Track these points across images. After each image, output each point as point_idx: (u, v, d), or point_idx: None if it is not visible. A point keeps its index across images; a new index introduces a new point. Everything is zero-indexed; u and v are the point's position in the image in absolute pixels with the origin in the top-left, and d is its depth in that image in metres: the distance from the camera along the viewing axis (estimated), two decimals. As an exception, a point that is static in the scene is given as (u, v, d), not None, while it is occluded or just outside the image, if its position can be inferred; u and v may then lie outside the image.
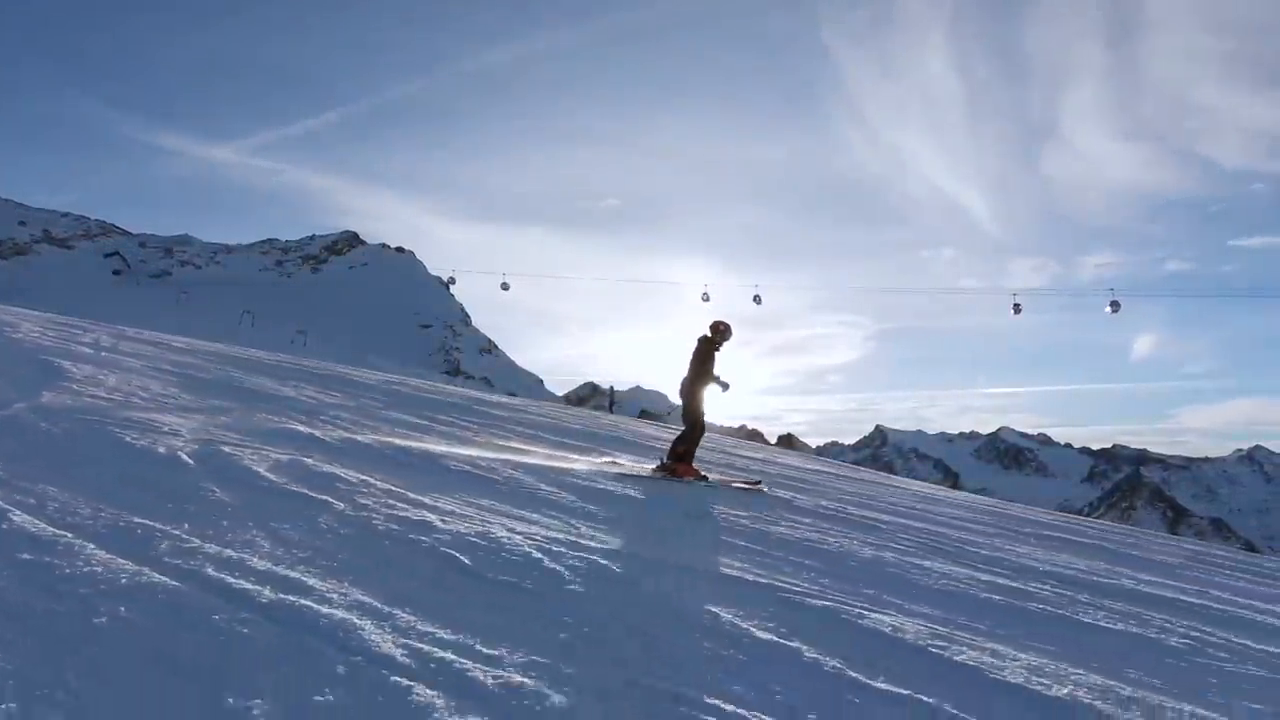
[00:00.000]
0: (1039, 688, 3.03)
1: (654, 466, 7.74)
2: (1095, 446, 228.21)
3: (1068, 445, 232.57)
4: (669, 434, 11.54)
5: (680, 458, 7.62)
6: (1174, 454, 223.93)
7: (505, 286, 30.44)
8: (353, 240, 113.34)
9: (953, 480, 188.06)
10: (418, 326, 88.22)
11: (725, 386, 7.75)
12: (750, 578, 4.18)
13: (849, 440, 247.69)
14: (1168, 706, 3.07)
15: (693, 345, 7.82)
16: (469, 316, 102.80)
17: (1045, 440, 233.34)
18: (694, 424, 7.70)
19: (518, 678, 2.46)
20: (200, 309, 63.38)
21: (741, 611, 3.49)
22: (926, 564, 5.25)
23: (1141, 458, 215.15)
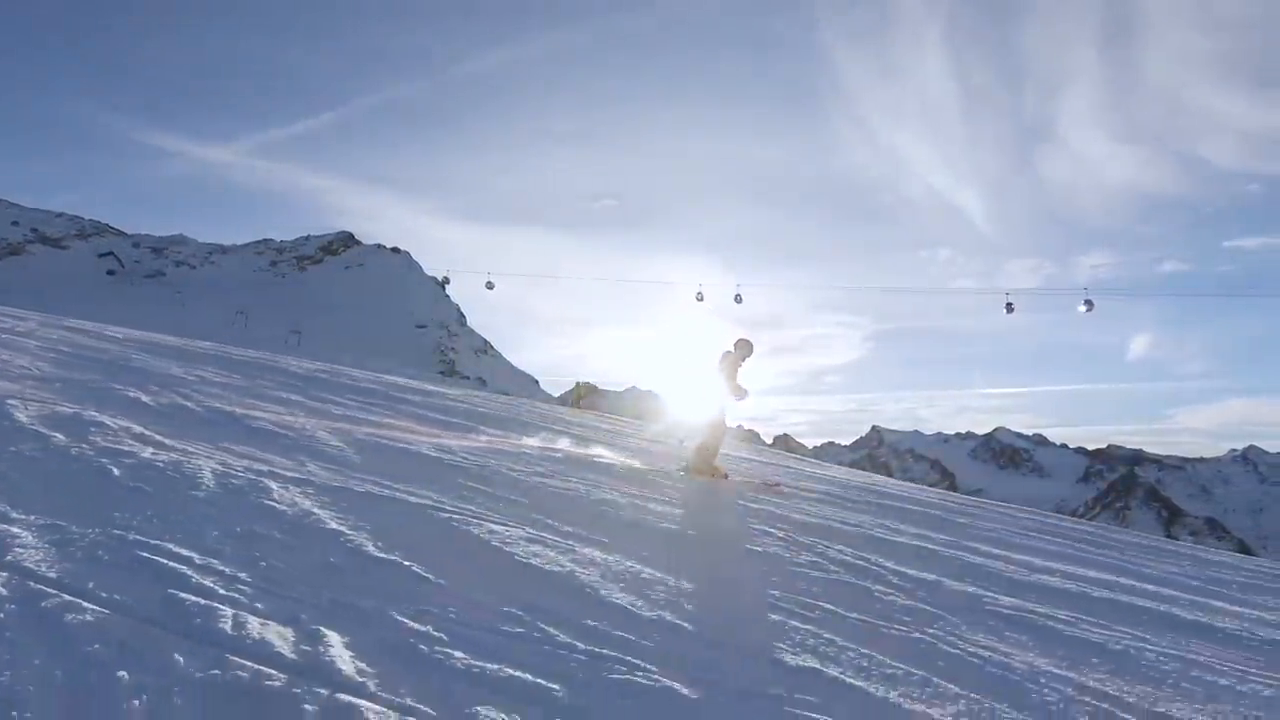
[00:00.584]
0: None
1: (678, 468, 8.12)
2: (1091, 447, 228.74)
3: (1063, 445, 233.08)
4: (569, 419, 11.47)
5: (701, 459, 8.06)
6: (1169, 454, 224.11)
7: (490, 286, 30.30)
8: (348, 240, 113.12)
9: (949, 481, 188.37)
10: (413, 327, 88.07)
11: (743, 395, 8.25)
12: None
13: (846, 441, 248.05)
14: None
15: (717, 359, 8.31)
16: (464, 317, 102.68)
17: (1041, 440, 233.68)
18: (713, 433, 8.20)
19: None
20: (194, 309, 63.18)
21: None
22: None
23: (1137, 458, 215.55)
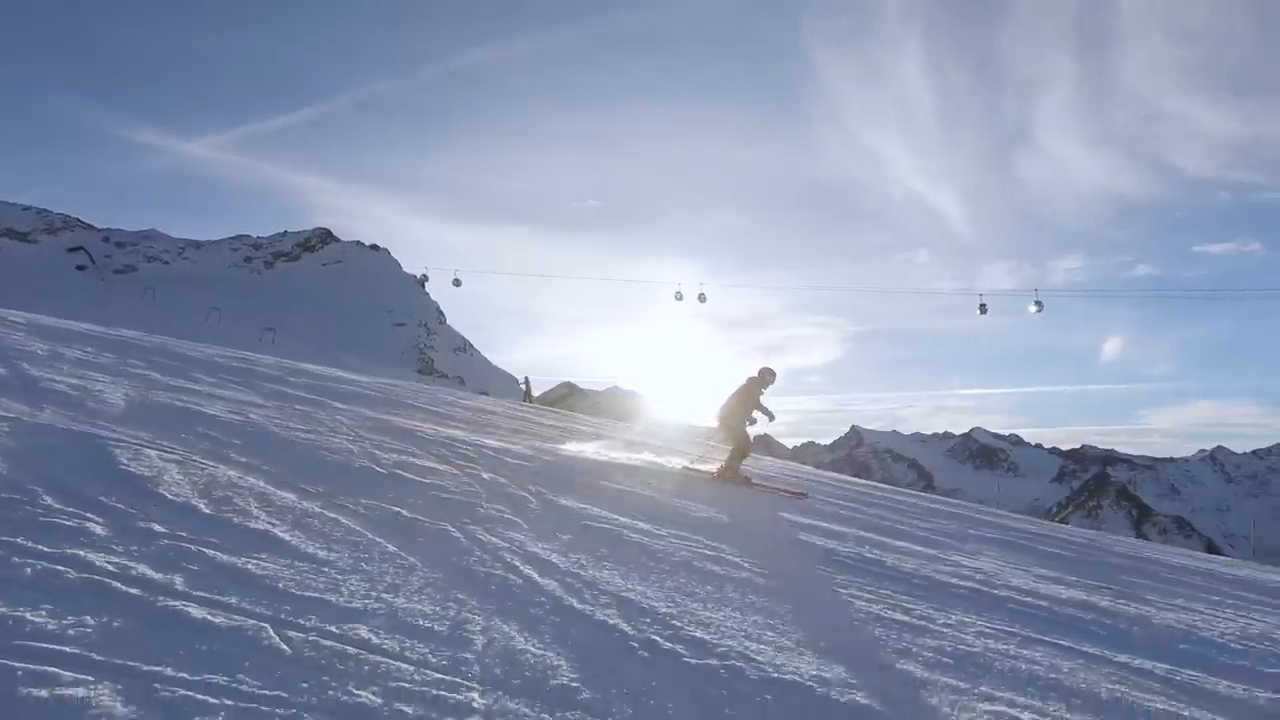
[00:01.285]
0: None
1: (712, 473, 8.81)
2: (1065, 447, 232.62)
3: (1038, 446, 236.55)
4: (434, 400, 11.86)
5: (728, 467, 8.81)
6: (1140, 454, 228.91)
7: (457, 283, 30.11)
8: (326, 237, 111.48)
9: (927, 481, 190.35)
10: (391, 325, 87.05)
11: (771, 416, 9.12)
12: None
13: (825, 441, 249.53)
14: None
15: (740, 382, 9.14)
16: (443, 315, 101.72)
17: (1017, 441, 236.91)
18: (738, 445, 8.97)
19: None
20: (167, 305, 61.96)
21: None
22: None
23: (1109, 458, 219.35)
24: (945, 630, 4.00)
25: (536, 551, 4.28)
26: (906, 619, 4.09)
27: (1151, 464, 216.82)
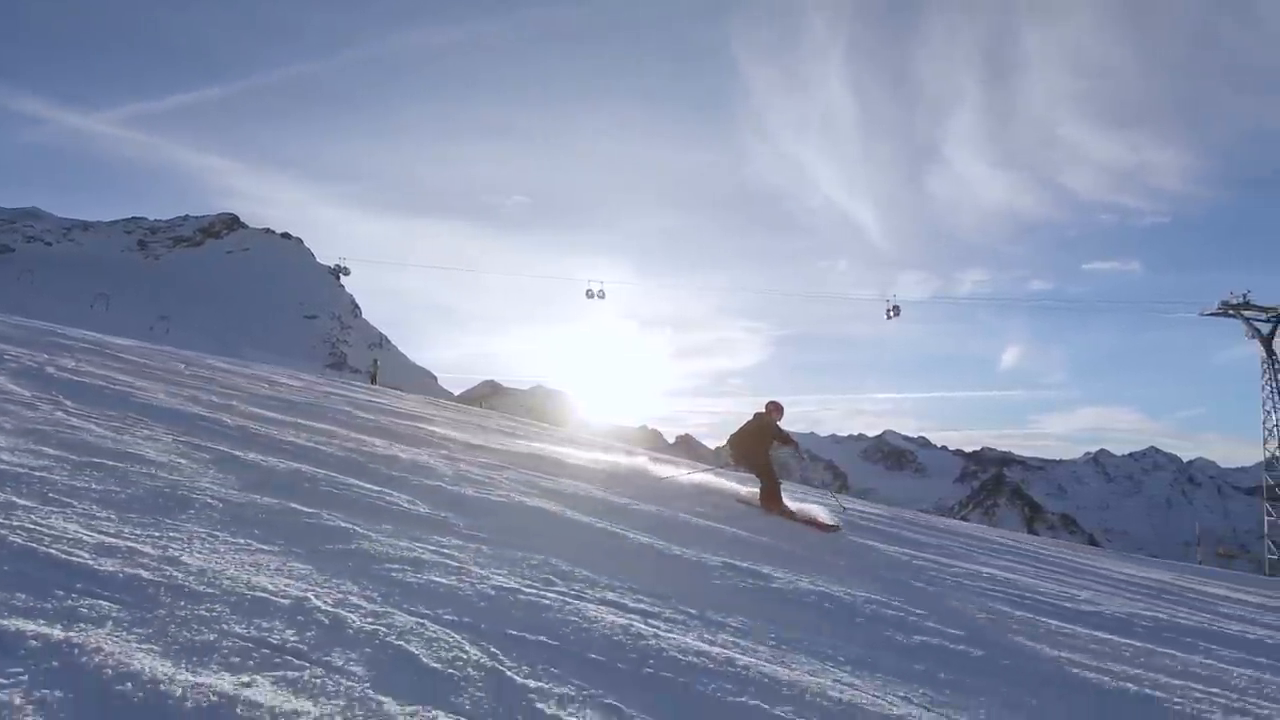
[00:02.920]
0: None
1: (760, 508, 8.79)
2: (968, 449, 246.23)
3: (944, 448, 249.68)
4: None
5: (771, 500, 8.88)
6: (1033, 456, 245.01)
7: (345, 271, 28.99)
8: (232, 223, 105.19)
9: (842, 481, 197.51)
10: (302, 317, 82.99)
11: (796, 446, 9.97)
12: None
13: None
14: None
15: (750, 418, 9.69)
16: (359, 309, 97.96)
17: (925, 443, 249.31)
18: (767, 477, 9.18)
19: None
20: (46, 289, 56.83)
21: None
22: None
23: (1006, 459, 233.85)
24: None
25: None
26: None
27: (1043, 465, 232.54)
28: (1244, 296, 39.19)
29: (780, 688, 2.77)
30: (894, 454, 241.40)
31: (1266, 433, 39.46)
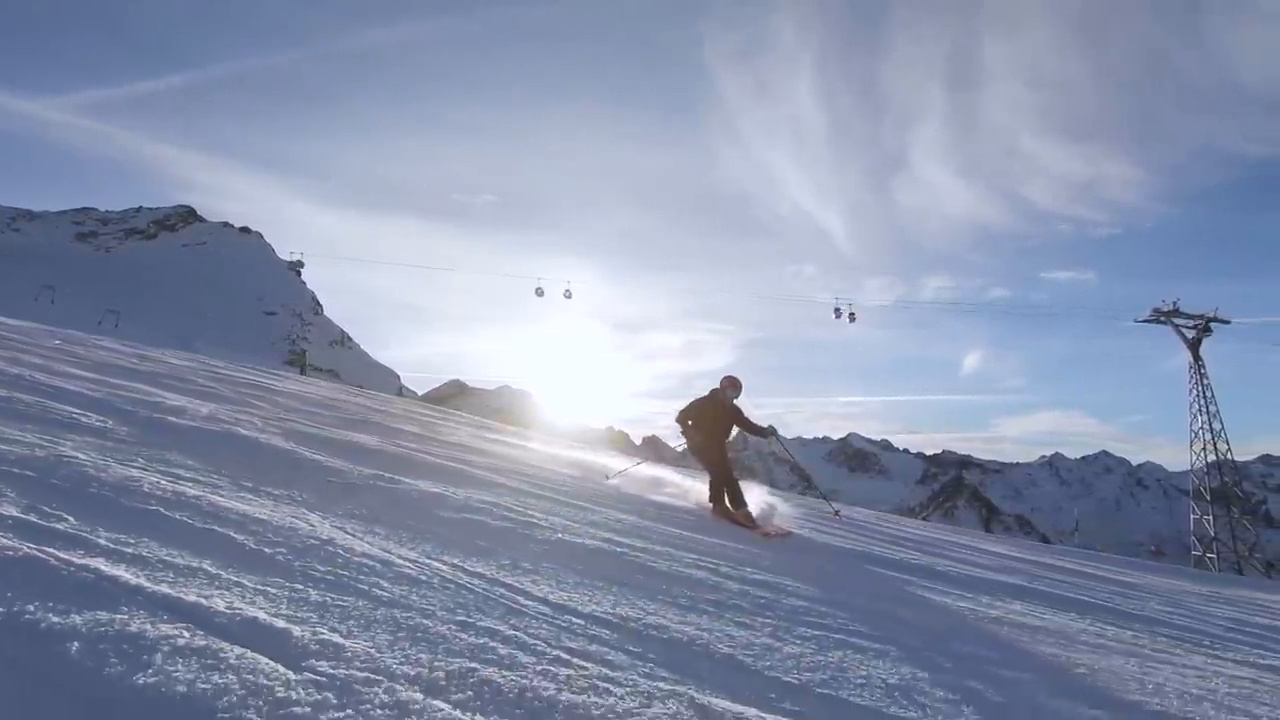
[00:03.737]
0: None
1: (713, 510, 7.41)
2: (929, 452, 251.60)
3: (906, 450, 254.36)
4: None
5: (716, 499, 7.45)
6: (991, 459, 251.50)
7: (301, 264, 28.54)
8: (188, 215, 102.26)
9: (806, 484, 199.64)
10: (260, 313, 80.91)
11: (769, 434, 8.26)
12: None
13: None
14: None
15: (704, 395, 7.96)
16: (320, 305, 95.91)
17: (887, 446, 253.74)
18: (719, 472, 7.58)
19: None
20: (-14, 281, 54.37)
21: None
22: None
23: (965, 462, 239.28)
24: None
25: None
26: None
27: (1000, 468, 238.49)
28: (1174, 304, 40.26)
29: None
30: (858, 456, 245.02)
31: (1193, 435, 40.26)
